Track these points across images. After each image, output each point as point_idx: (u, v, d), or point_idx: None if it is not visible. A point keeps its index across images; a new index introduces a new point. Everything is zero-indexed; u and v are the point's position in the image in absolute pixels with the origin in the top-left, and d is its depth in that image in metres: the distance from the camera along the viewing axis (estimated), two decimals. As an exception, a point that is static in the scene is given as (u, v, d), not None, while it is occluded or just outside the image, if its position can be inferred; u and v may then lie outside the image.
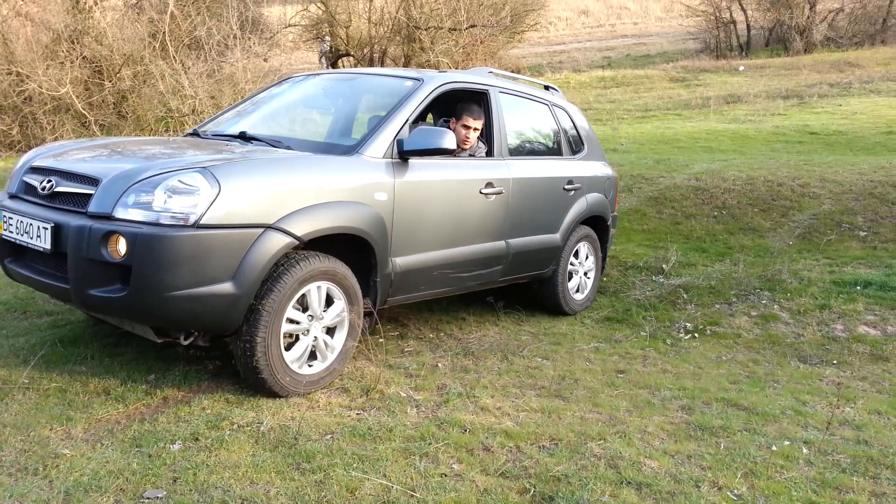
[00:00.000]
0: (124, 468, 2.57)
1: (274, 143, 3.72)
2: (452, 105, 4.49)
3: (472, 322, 4.78)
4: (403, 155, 3.65)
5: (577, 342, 4.53)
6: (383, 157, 3.59)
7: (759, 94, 15.21)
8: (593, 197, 5.22)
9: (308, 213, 3.15)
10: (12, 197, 3.42)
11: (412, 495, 2.53)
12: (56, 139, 12.74)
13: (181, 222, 2.82)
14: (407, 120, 3.77)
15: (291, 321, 3.21)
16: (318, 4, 18.66)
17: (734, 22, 24.77)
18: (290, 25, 19.65)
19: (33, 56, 12.69)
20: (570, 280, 5.15)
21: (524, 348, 4.31)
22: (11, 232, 3.23)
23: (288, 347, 3.24)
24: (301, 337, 3.29)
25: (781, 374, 4.16)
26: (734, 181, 7.57)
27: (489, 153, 4.42)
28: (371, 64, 19.02)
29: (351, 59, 19.17)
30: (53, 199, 3.14)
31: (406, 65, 18.20)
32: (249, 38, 15.51)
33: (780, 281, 5.41)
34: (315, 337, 3.35)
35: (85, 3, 15.27)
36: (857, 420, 3.50)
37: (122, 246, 2.81)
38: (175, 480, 2.53)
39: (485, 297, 5.21)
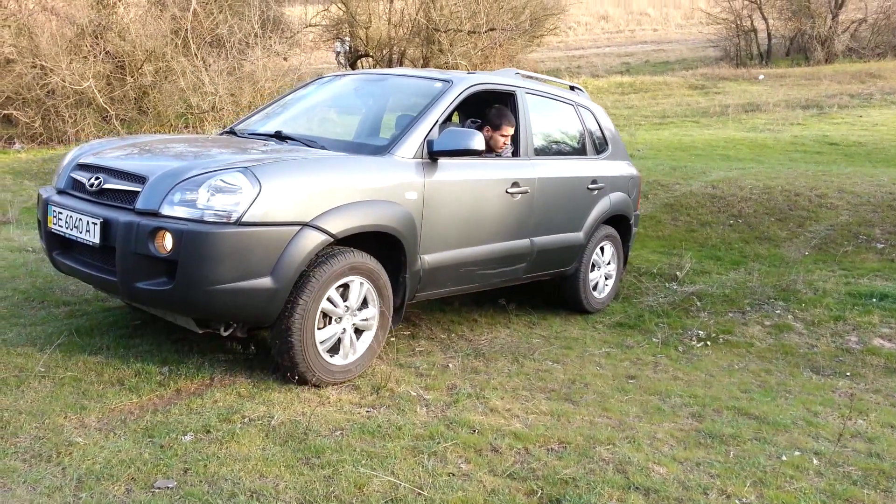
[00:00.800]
0: (136, 458, 2.61)
1: (308, 142, 3.85)
2: (479, 105, 4.57)
3: (483, 324, 4.79)
4: (433, 155, 3.76)
5: (589, 346, 4.53)
6: (414, 158, 3.71)
7: (779, 104, 15.09)
8: (616, 196, 5.29)
9: (342, 211, 3.27)
10: (60, 192, 3.55)
11: (420, 493, 2.54)
12: (77, 133, 12.90)
13: (224, 220, 2.96)
14: (437, 121, 3.89)
15: (331, 301, 3.35)
16: (339, 5, 18.75)
17: (755, 30, 24.60)
18: (310, 25, 19.75)
19: (57, 50, 12.86)
20: (591, 278, 5.20)
21: (535, 351, 4.31)
22: (61, 226, 3.37)
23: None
24: (333, 323, 3.41)
25: (793, 385, 4.13)
26: (751, 190, 7.53)
27: (515, 153, 4.50)
28: (390, 65, 19.07)
29: (370, 59, 19.25)
30: (101, 196, 3.28)
31: (425, 66, 18.24)
32: (270, 37, 15.62)
33: (795, 291, 5.37)
34: (344, 329, 3.45)
35: (109, -1, 15.45)
36: (869, 432, 3.47)
37: (168, 242, 2.93)
38: (186, 471, 2.56)
39: (496, 299, 5.22)
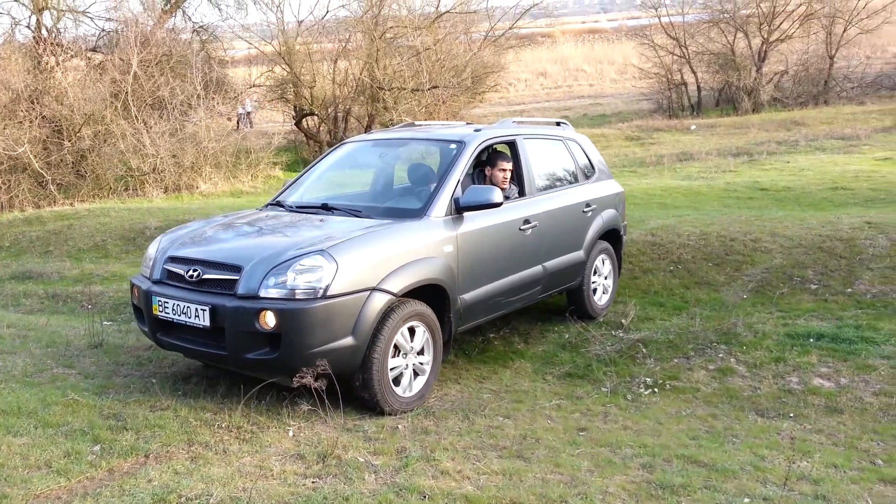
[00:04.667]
0: (62, 547, 2.44)
1: (353, 211, 4.45)
2: (483, 151, 5.25)
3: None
4: (460, 210, 4.41)
5: (539, 399, 4.51)
6: (445, 216, 4.36)
7: (711, 152, 15.71)
8: (608, 213, 6.10)
9: (399, 273, 3.93)
10: (157, 282, 4.00)
11: (367, 567, 2.44)
12: (11, 199, 12.52)
13: (312, 295, 3.60)
14: (458, 180, 4.53)
15: (397, 344, 3.96)
16: (283, 66, 18.92)
17: (685, 83, 25.79)
18: (254, 86, 19.84)
19: (-10, 116, 12.55)
20: (593, 287, 5.97)
21: (486, 407, 4.27)
22: (168, 312, 3.85)
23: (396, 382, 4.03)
24: (400, 360, 4.03)
25: (740, 429, 4.18)
26: (689, 236, 7.75)
27: (521, 193, 5.16)
28: (335, 123, 19.25)
29: (315, 117, 19.37)
30: (202, 285, 3.80)
31: (369, 124, 18.46)
32: (213, 98, 15.60)
33: (736, 334, 5.49)
34: (407, 365, 4.08)
35: (46, 64, 15.24)
36: (814, 474, 3.52)
37: (271, 319, 3.53)
38: (117, 559, 2.40)
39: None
